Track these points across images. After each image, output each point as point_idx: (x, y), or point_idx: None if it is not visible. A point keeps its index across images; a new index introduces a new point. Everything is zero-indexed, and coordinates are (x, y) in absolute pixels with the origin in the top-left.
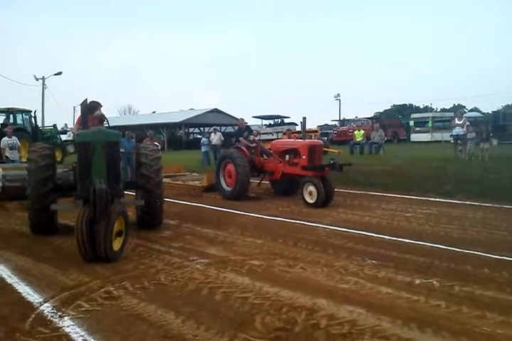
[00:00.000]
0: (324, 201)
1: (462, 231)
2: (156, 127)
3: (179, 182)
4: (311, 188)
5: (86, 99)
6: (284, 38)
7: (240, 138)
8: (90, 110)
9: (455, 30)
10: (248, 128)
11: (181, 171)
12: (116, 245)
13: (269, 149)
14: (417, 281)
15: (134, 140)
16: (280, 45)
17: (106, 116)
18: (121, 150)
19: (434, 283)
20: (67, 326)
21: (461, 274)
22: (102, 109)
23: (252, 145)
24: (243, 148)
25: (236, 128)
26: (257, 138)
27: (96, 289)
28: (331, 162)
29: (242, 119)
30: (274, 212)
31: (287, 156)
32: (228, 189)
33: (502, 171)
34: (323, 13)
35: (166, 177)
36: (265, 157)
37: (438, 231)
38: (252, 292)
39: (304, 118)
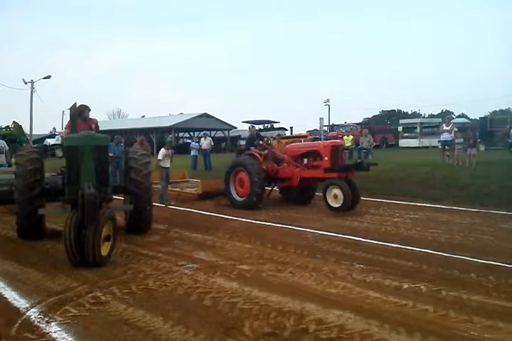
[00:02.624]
0: (351, 205)
1: (449, 236)
2: (146, 131)
3: (177, 189)
4: (336, 191)
5: (75, 103)
6: (274, 44)
7: (251, 148)
8: (79, 114)
9: (443, 37)
10: (259, 135)
11: (186, 177)
12: (105, 250)
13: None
14: (405, 286)
15: (122, 144)
16: (270, 50)
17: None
18: (110, 154)
19: (422, 287)
20: (54, 332)
21: (448, 279)
22: (90, 112)
23: (263, 152)
24: (256, 154)
25: (247, 135)
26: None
27: (84, 294)
28: (358, 161)
29: (253, 126)
30: (264, 216)
31: (305, 160)
32: (240, 199)
33: (489, 177)
34: (312, 18)
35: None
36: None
37: (425, 236)
38: (240, 297)
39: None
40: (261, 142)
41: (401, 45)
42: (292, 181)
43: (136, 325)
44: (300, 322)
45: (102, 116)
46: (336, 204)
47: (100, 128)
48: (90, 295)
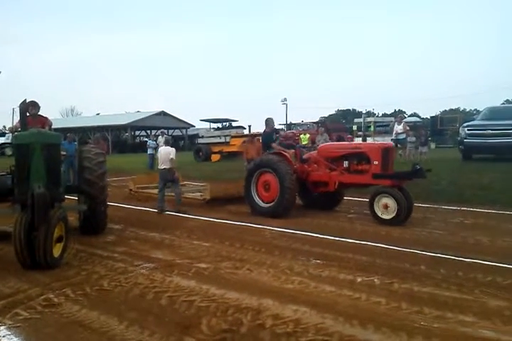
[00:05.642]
0: (405, 217)
1: (402, 231)
2: (101, 129)
3: (174, 194)
4: (388, 201)
5: (25, 100)
6: (232, 43)
7: (273, 145)
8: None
9: (396, 39)
10: (276, 130)
11: (181, 180)
12: (57, 251)
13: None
14: (359, 279)
15: (76, 143)
16: (228, 49)
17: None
18: (63, 153)
19: (375, 280)
20: (4, 336)
21: (400, 272)
22: (41, 110)
23: (290, 150)
24: (285, 153)
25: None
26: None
27: (35, 297)
28: (416, 167)
29: (271, 119)
30: (222, 215)
31: (345, 163)
32: (265, 205)
33: (440, 174)
34: (271, 19)
35: (156, 187)
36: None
37: (379, 231)
38: (198, 295)
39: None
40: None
41: (356, 46)
42: (329, 186)
43: (90, 327)
44: (257, 318)
45: (54, 113)
46: (386, 216)
47: (53, 126)
48: (42, 297)
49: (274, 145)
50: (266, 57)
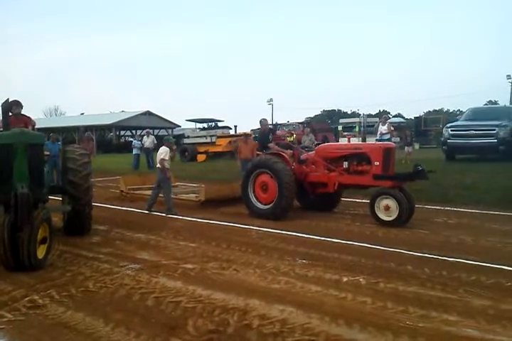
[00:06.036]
0: (406, 218)
1: (387, 231)
2: (85, 129)
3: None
4: (389, 202)
5: (7, 99)
6: (217, 44)
7: (270, 145)
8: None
9: (379, 41)
10: (272, 130)
11: (173, 181)
12: (41, 253)
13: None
14: (345, 279)
15: (59, 143)
16: (214, 49)
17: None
18: (46, 153)
19: (361, 280)
20: None
21: (385, 271)
22: (24, 109)
23: (287, 151)
24: (283, 153)
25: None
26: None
27: (19, 298)
28: (419, 168)
29: (266, 120)
30: (208, 215)
31: (345, 163)
32: (263, 207)
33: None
34: (256, 19)
35: (150, 188)
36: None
37: (364, 230)
38: (184, 296)
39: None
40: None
41: (344, 48)
42: (328, 187)
43: (75, 328)
44: (244, 318)
45: (37, 113)
46: (387, 218)
47: (36, 126)
48: (26, 299)
49: (271, 145)
50: (251, 57)
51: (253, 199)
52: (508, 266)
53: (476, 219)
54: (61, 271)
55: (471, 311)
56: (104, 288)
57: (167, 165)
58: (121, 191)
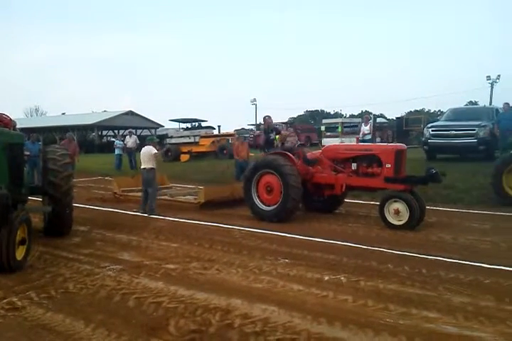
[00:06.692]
0: (417, 223)
1: (368, 230)
2: (66, 129)
3: (166, 197)
4: (399, 206)
5: None
6: (200, 43)
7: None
8: None
9: (362, 42)
10: (275, 129)
11: (166, 183)
12: (20, 254)
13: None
14: (326, 278)
15: (40, 143)
16: (196, 49)
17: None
18: (27, 153)
19: (342, 278)
20: None
21: (366, 269)
22: (2, 109)
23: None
24: (289, 153)
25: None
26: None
27: None
28: (432, 171)
29: (269, 117)
30: (190, 215)
31: (354, 165)
32: (267, 208)
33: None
34: (237, 19)
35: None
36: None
37: (346, 229)
38: (166, 296)
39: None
40: (288, 140)
41: (325, 47)
42: (335, 189)
43: (55, 330)
44: (226, 317)
45: (18, 113)
46: (397, 222)
47: (17, 126)
48: (5, 301)
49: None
50: (234, 57)
51: (256, 201)
52: (486, 264)
53: (455, 217)
54: (40, 273)
55: (451, 308)
56: (84, 289)
57: (154, 165)
58: (115, 193)
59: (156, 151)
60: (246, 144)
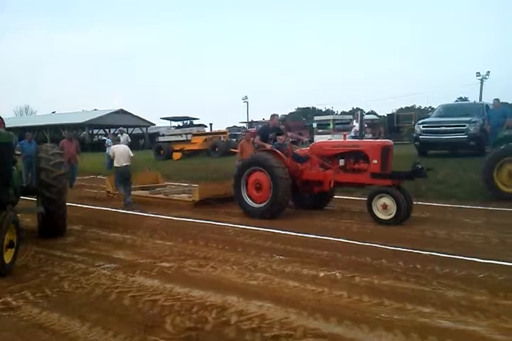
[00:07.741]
0: (404, 217)
1: (361, 226)
2: (57, 128)
3: (160, 196)
4: (387, 201)
5: None
6: (191, 42)
7: (256, 140)
8: None
9: (355, 37)
10: (278, 129)
11: (160, 181)
12: (8, 257)
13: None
14: (321, 274)
15: (35, 142)
16: (188, 47)
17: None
18: (18, 152)
19: (337, 274)
20: None
21: (361, 265)
22: None
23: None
24: (277, 151)
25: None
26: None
27: None
28: (418, 167)
29: (276, 115)
30: (184, 212)
31: (341, 161)
32: (256, 206)
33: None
34: (230, 18)
35: (143, 189)
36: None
37: (339, 226)
38: (162, 294)
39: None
40: (278, 137)
41: (316, 45)
42: (324, 186)
43: (51, 329)
44: (222, 314)
45: (8, 112)
46: (384, 216)
47: (7, 125)
48: (0, 300)
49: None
50: (226, 55)
51: (247, 199)
52: (479, 259)
53: (448, 213)
54: (35, 272)
55: (445, 303)
56: (79, 288)
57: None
58: (108, 192)
59: (132, 155)
60: (251, 143)
